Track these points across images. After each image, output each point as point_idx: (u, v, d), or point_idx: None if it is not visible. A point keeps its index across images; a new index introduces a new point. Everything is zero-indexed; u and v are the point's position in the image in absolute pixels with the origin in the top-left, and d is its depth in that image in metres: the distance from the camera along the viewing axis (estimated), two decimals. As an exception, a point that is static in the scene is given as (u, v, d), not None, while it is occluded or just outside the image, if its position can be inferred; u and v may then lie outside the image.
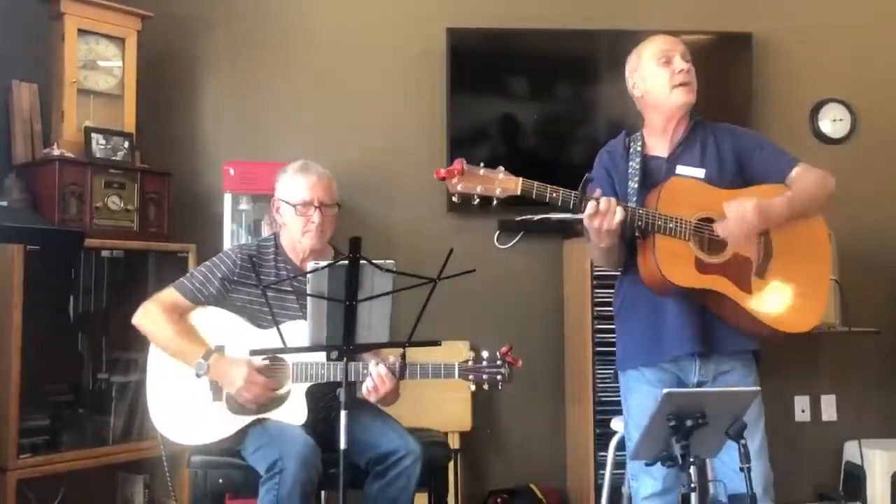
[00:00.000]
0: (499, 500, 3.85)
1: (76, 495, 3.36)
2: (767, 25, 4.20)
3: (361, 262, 2.24)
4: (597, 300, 3.63)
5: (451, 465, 3.06)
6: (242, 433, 2.64)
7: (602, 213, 2.30)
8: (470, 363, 2.63)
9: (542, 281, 4.03)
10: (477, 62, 4.04)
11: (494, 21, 4.05)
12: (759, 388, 2.21)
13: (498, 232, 4.04)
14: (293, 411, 2.63)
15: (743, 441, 2.03)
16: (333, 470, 2.37)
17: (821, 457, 4.09)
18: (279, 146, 3.92)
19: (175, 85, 3.97)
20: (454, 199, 2.31)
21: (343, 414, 2.25)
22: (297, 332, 2.44)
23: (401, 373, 2.55)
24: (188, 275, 2.78)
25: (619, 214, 2.30)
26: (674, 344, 2.44)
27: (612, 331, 3.61)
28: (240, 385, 2.60)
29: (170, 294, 2.73)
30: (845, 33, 4.26)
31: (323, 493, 3.00)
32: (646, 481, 2.45)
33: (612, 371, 3.64)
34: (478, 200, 2.31)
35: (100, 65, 3.56)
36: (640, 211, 2.36)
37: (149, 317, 2.70)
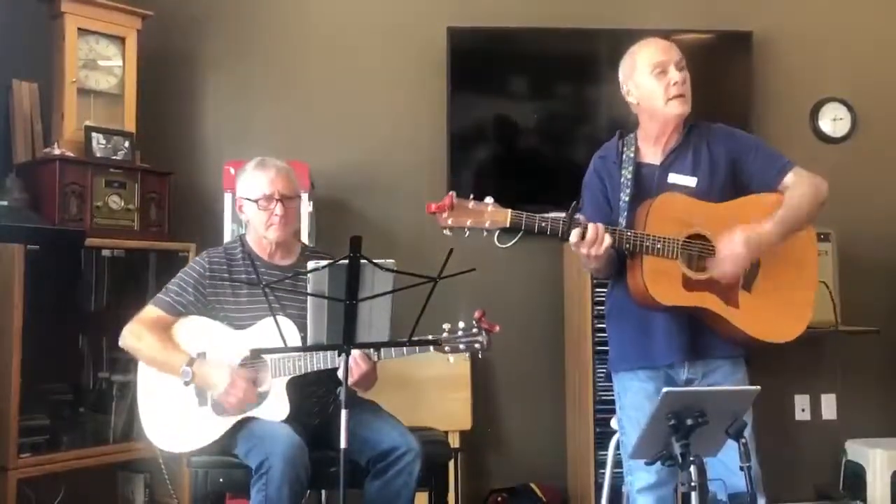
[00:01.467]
0: (499, 499, 3.85)
1: (77, 494, 3.36)
2: (767, 24, 4.19)
3: (362, 261, 2.24)
4: (596, 300, 3.62)
5: (451, 464, 3.06)
6: (231, 436, 2.65)
7: (589, 242, 2.30)
8: (445, 335, 2.61)
9: (542, 280, 4.03)
10: (477, 62, 4.04)
11: (495, 21, 4.05)
12: (758, 387, 2.21)
13: (498, 231, 4.03)
14: (275, 407, 2.63)
15: (743, 440, 2.03)
16: (334, 469, 2.37)
17: (821, 456, 4.09)
18: (280, 145, 3.91)
19: (175, 84, 3.97)
20: (445, 232, 2.32)
21: (344, 413, 2.25)
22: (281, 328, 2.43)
23: (377, 353, 2.55)
24: (164, 289, 2.80)
25: (606, 241, 2.31)
26: (663, 353, 2.46)
27: (611, 330, 3.65)
28: (223, 389, 2.62)
29: (150, 311, 2.76)
30: (846, 32, 4.26)
31: (323, 492, 3.00)
32: (640, 475, 2.46)
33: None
34: (468, 234, 2.33)
35: (100, 64, 3.56)
36: (628, 234, 2.36)
37: (132, 335, 2.74)
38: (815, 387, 4.16)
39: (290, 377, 2.62)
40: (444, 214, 2.30)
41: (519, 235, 4.00)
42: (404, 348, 2.55)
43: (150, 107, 3.71)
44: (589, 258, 2.35)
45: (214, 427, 2.65)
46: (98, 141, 3.46)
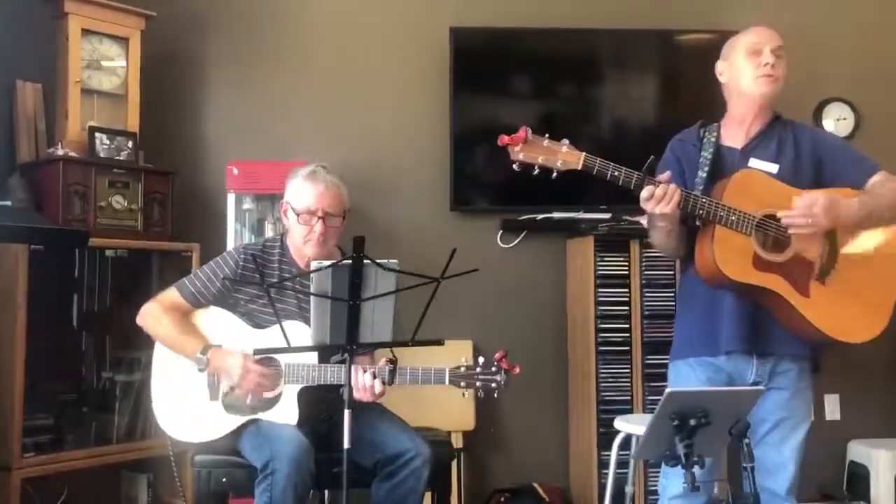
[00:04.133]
0: (502, 499, 3.85)
1: (80, 494, 3.37)
2: (768, 25, 4.18)
3: (365, 261, 2.24)
4: (600, 299, 3.63)
5: (454, 464, 3.06)
6: (238, 433, 2.65)
7: (658, 197, 2.26)
8: (462, 369, 2.59)
9: (546, 280, 4.03)
10: (480, 62, 4.03)
11: (498, 20, 4.05)
12: (761, 388, 2.20)
13: (501, 231, 4.03)
14: (285, 412, 2.63)
15: (746, 440, 2.03)
16: (336, 469, 2.37)
17: (824, 456, 4.07)
18: (282, 145, 3.93)
19: (178, 84, 3.97)
20: (514, 167, 2.27)
21: (347, 413, 2.25)
22: (294, 332, 2.44)
23: (390, 378, 2.54)
24: (191, 275, 2.79)
25: (675, 197, 2.26)
26: (728, 340, 2.39)
27: (614, 330, 3.66)
28: (238, 374, 2.60)
29: (171, 294, 2.76)
30: (848, 32, 4.25)
31: (326, 492, 3.00)
32: (675, 480, 2.40)
33: (615, 371, 3.64)
34: (537, 171, 2.28)
35: (103, 64, 3.56)
36: (703, 199, 2.31)
37: (150, 315, 2.73)
38: (818, 387, 4.12)
39: (302, 386, 2.62)
40: (517, 148, 2.24)
41: (522, 235, 4.04)
42: (419, 376, 2.58)
43: (153, 107, 3.72)
44: (657, 219, 2.32)
45: (223, 423, 2.65)
46: (101, 141, 3.46)
